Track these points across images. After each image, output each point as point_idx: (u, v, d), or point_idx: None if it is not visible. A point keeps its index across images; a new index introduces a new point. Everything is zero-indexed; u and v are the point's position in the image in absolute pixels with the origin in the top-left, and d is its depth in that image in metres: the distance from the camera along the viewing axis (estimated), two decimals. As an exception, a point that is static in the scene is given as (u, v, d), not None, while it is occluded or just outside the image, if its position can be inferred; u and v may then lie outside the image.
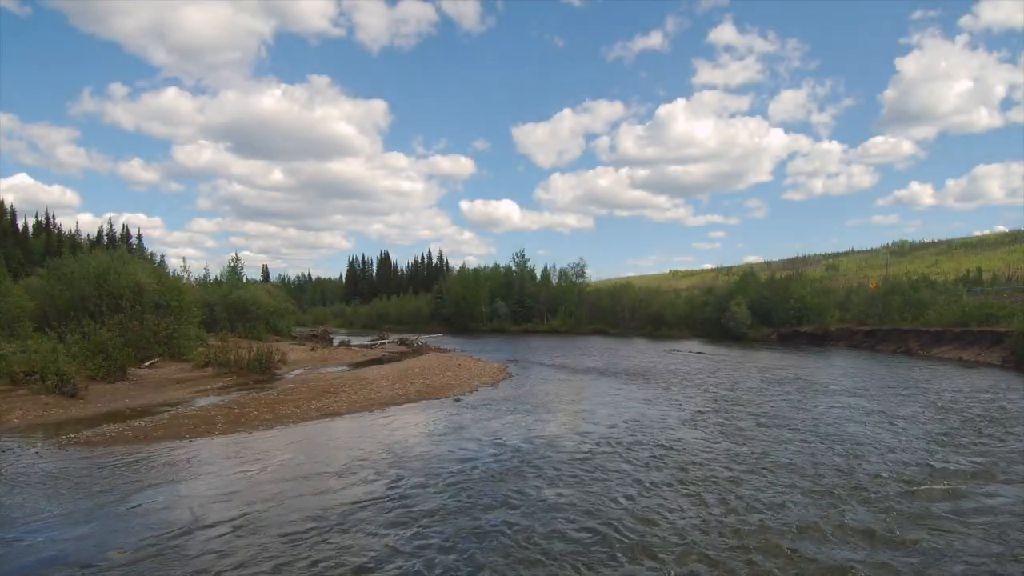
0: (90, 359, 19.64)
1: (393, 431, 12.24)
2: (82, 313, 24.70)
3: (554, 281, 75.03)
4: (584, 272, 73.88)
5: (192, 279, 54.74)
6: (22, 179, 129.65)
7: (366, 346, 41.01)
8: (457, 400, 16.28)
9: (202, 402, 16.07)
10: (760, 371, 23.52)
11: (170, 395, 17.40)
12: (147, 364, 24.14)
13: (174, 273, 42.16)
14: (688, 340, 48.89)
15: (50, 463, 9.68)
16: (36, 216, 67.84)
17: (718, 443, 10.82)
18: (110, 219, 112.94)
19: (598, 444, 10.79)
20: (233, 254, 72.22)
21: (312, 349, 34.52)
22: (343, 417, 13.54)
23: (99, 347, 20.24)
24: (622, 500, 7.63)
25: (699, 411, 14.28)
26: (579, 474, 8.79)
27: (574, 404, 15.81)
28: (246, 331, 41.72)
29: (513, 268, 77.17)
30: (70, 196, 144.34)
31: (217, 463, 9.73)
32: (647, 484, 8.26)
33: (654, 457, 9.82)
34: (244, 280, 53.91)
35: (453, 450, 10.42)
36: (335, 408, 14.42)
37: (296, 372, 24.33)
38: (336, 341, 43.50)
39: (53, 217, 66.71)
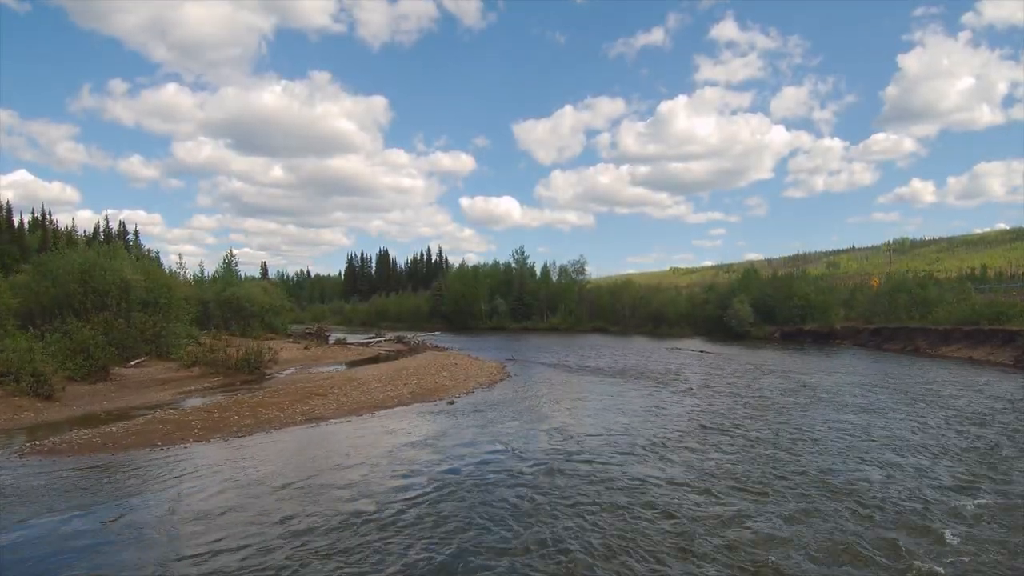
0: (70, 359, 18.91)
1: (374, 439, 11.44)
2: (67, 310, 24.01)
3: (554, 278, 74.23)
4: (584, 269, 73.12)
5: (188, 275, 54.28)
6: (22, 175, 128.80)
7: (362, 344, 40.28)
8: (451, 403, 15.52)
9: (184, 404, 15.33)
10: (765, 374, 22.73)
11: (151, 397, 16.66)
12: (133, 363, 23.41)
13: (170, 270, 41.52)
14: (689, 338, 48.11)
15: (4, 475, 8.93)
16: (32, 212, 67.01)
17: (706, 491, 8.20)
18: (107, 215, 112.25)
19: (573, 479, 8.76)
20: (228, 250, 71.18)
21: (306, 348, 33.77)
22: (328, 423, 12.77)
23: (80, 346, 19.49)
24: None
25: (694, 431, 11.92)
26: (541, 533, 6.80)
27: (568, 413, 14.24)
28: (240, 329, 41.01)
29: (513, 265, 76.39)
30: (70, 193, 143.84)
31: (178, 477, 8.86)
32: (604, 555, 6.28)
33: (627, 504, 7.71)
34: (242, 276, 53.29)
35: (417, 473, 9.13)
36: (321, 412, 13.66)
37: (287, 372, 23.60)
38: (332, 339, 42.77)
39: (49, 213, 65.97)
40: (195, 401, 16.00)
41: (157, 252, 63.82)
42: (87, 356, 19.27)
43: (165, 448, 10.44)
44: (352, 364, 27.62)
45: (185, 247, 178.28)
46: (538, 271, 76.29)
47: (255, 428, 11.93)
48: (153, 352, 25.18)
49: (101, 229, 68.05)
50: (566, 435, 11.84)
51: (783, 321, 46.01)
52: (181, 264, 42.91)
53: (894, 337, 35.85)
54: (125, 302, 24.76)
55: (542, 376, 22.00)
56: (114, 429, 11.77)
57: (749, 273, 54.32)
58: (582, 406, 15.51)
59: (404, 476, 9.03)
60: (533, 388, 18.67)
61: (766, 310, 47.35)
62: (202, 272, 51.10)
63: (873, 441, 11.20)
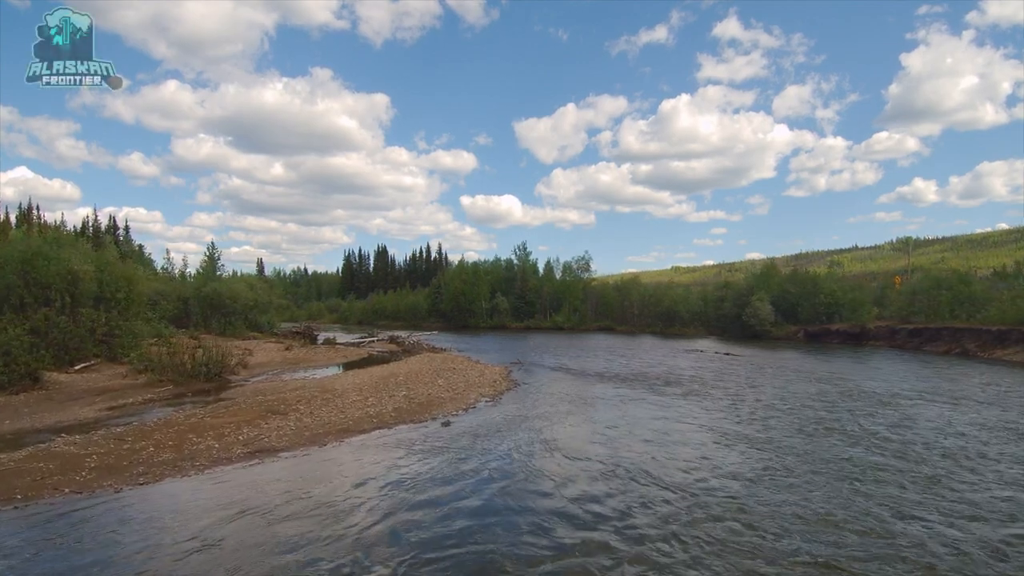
0: (-15, 364, 15.65)
1: (321, 495, 8.09)
2: (6, 306, 20.75)
3: (557, 276, 70.80)
4: (589, 266, 69.82)
5: (177, 272, 50.99)
6: (22, 172, 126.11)
7: (352, 344, 36.99)
8: (446, 424, 12.21)
9: (107, 425, 11.98)
10: (806, 385, 19.31)
11: (72, 414, 13.33)
12: (78, 367, 20.14)
13: (163, 268, 38.27)
14: (703, 338, 44.90)
15: None
16: (19, 207, 63.84)
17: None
18: (95, 210, 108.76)
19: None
20: (211, 243, 67.64)
21: (287, 349, 30.42)
22: (276, 458, 9.42)
23: (1, 348, 16.18)
24: None
25: (773, 502, 7.81)
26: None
27: (600, 456, 10.00)
28: (222, 327, 37.77)
29: (515, 262, 72.98)
30: (71, 190, 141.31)
31: None
32: None
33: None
34: (238, 273, 50.00)
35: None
36: (270, 441, 10.32)
37: (257, 379, 20.26)
38: (320, 339, 39.44)
39: (37, 208, 62.74)
40: (127, 419, 12.67)
41: (141, 246, 60.70)
42: (8, 360, 15.99)
43: (21, 507, 7.12)
44: (336, 368, 24.35)
45: (186, 245, 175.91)
46: (540, 268, 72.99)
47: (170, 468, 8.58)
48: (105, 354, 21.94)
49: (90, 224, 64.85)
50: (605, 500, 7.67)
51: (807, 320, 42.73)
52: (169, 260, 39.84)
53: (937, 338, 32.56)
54: (71, 296, 21.46)
55: (554, 387, 18.65)
56: (-27, 470, 8.45)
57: (768, 269, 50.99)
58: (615, 443, 10.95)
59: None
60: (546, 404, 15.24)
61: (787, 308, 44.11)
62: (185, 267, 47.90)
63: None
